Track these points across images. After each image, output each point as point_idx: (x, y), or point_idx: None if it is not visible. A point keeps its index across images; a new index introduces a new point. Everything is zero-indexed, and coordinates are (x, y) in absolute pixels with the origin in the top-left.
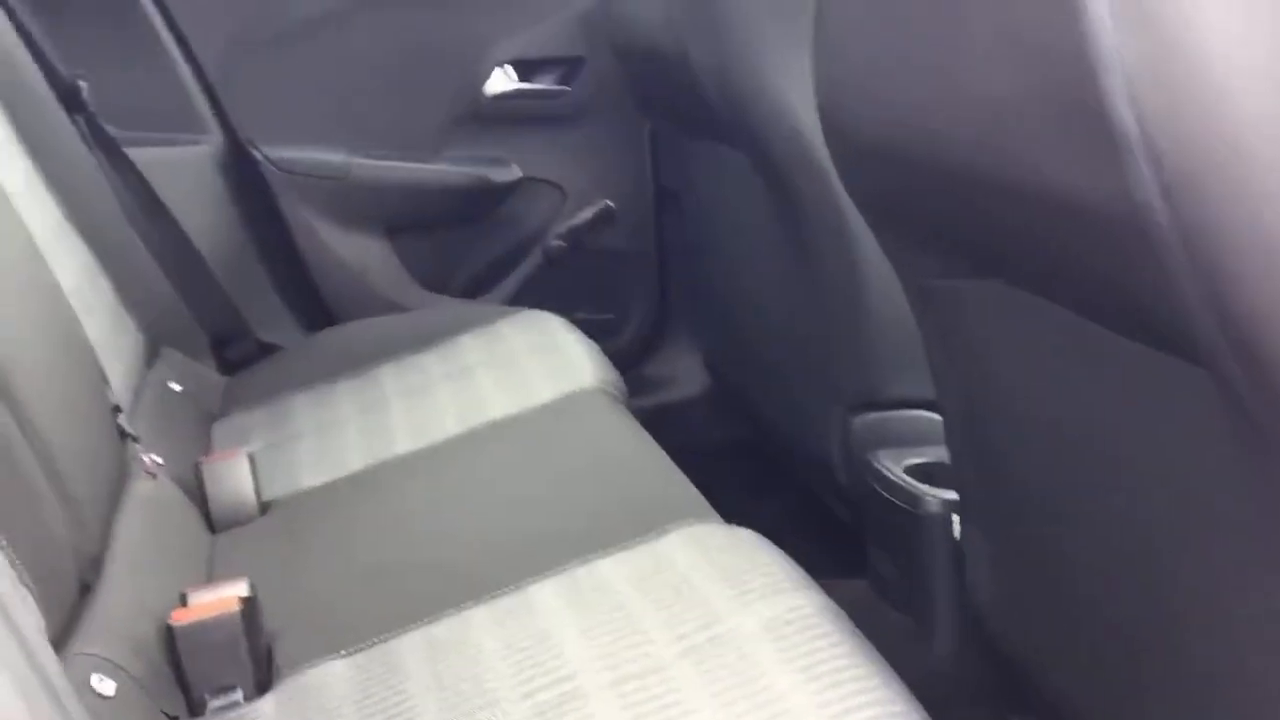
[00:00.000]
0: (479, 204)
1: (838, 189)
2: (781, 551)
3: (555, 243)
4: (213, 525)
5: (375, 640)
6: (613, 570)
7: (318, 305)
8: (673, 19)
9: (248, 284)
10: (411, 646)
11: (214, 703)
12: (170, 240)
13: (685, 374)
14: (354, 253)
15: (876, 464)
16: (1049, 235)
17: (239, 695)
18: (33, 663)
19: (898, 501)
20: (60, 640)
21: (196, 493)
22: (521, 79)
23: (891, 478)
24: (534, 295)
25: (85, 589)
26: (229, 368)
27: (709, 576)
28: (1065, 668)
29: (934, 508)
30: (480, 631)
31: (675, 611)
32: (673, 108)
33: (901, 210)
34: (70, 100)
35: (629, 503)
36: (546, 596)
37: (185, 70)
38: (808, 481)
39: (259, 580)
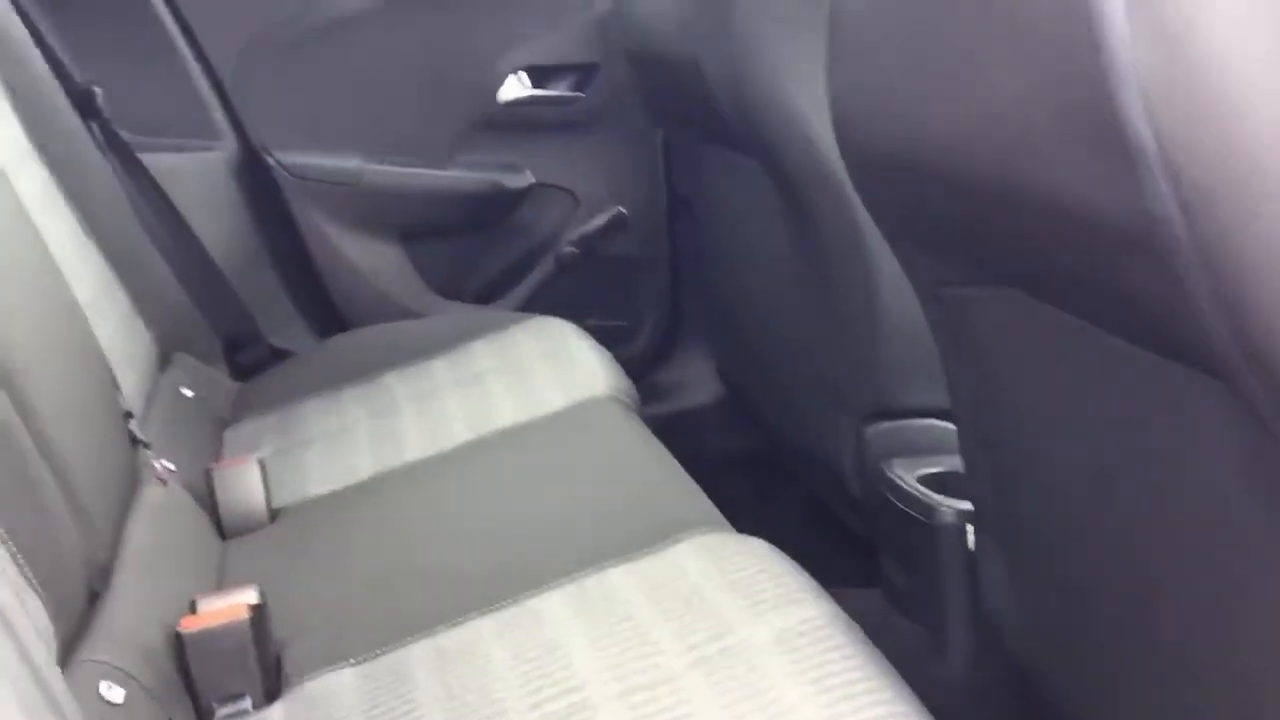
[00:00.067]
0: (492, 210)
1: (852, 198)
2: (793, 561)
3: (568, 249)
4: (223, 532)
5: (384, 649)
6: (623, 580)
7: (330, 311)
8: (686, 26)
9: (261, 289)
10: (420, 656)
11: (222, 711)
12: (183, 246)
13: (698, 381)
14: (367, 259)
15: (890, 473)
16: (1065, 247)
17: (247, 703)
18: (36, 676)
19: (911, 512)
20: (69, 647)
21: (207, 499)
22: (535, 85)
23: (905, 487)
24: (546, 302)
25: (94, 596)
26: (241, 373)
27: (720, 586)
28: (1081, 680)
29: (948, 518)
30: (489, 641)
31: (686, 622)
32: (686, 115)
33: (916, 219)
34: (85, 106)
35: (640, 512)
36: (556, 606)
37: (200, 76)
38: (820, 490)
39: (268, 587)
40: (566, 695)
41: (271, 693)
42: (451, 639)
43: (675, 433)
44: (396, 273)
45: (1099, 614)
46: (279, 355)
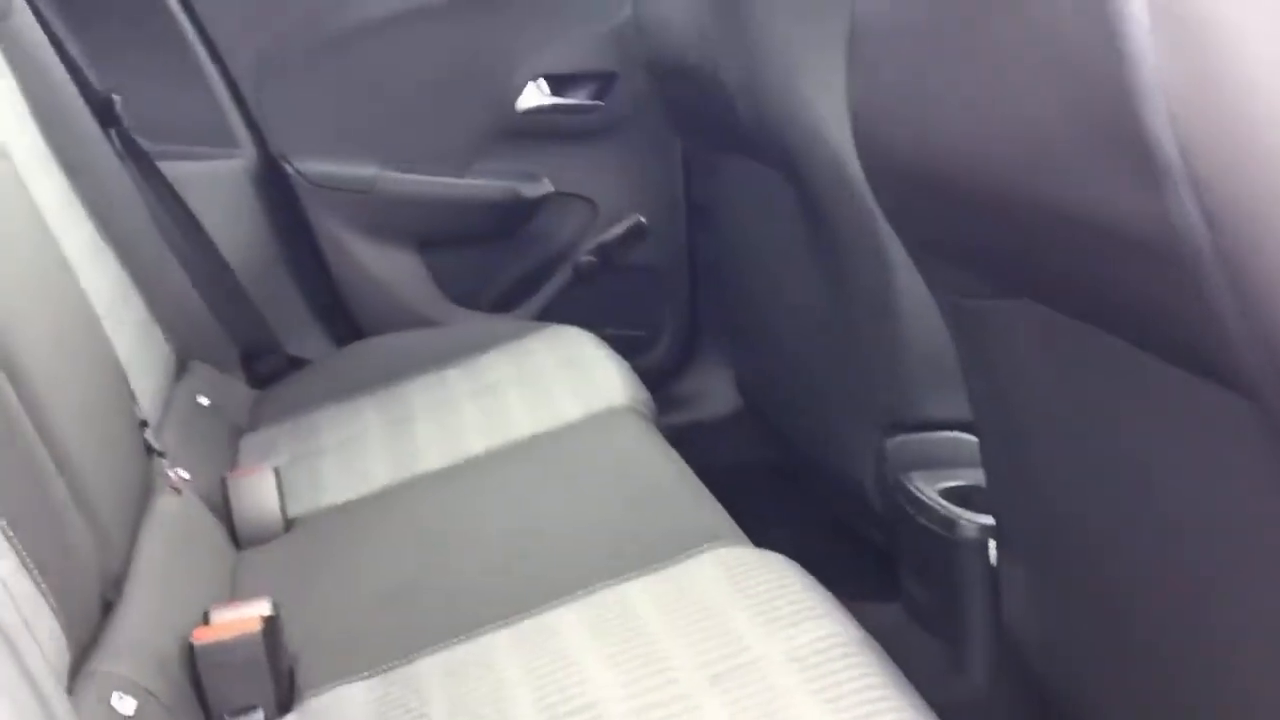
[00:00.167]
0: (509, 219)
1: (872, 208)
2: (811, 576)
3: (586, 258)
4: (238, 541)
5: (396, 663)
6: (638, 594)
7: (347, 320)
8: (705, 36)
9: (278, 298)
10: (433, 669)
11: None
12: (201, 254)
13: (716, 392)
14: (384, 267)
15: (910, 486)
16: (1089, 260)
17: (260, 716)
18: (37, 693)
19: (932, 525)
20: (81, 658)
21: (222, 508)
22: (554, 94)
23: (926, 501)
24: (564, 311)
25: (108, 606)
26: (258, 381)
27: (736, 602)
28: (1103, 697)
29: (970, 532)
30: (502, 655)
31: (701, 638)
32: (705, 124)
33: (937, 231)
34: (104, 114)
35: (656, 525)
36: (570, 620)
37: (218, 84)
38: (839, 504)
39: (282, 598)
40: (580, 711)
41: (284, 705)
42: (465, 652)
43: (693, 443)
44: (414, 281)
45: (1124, 631)
46: (296, 364)
